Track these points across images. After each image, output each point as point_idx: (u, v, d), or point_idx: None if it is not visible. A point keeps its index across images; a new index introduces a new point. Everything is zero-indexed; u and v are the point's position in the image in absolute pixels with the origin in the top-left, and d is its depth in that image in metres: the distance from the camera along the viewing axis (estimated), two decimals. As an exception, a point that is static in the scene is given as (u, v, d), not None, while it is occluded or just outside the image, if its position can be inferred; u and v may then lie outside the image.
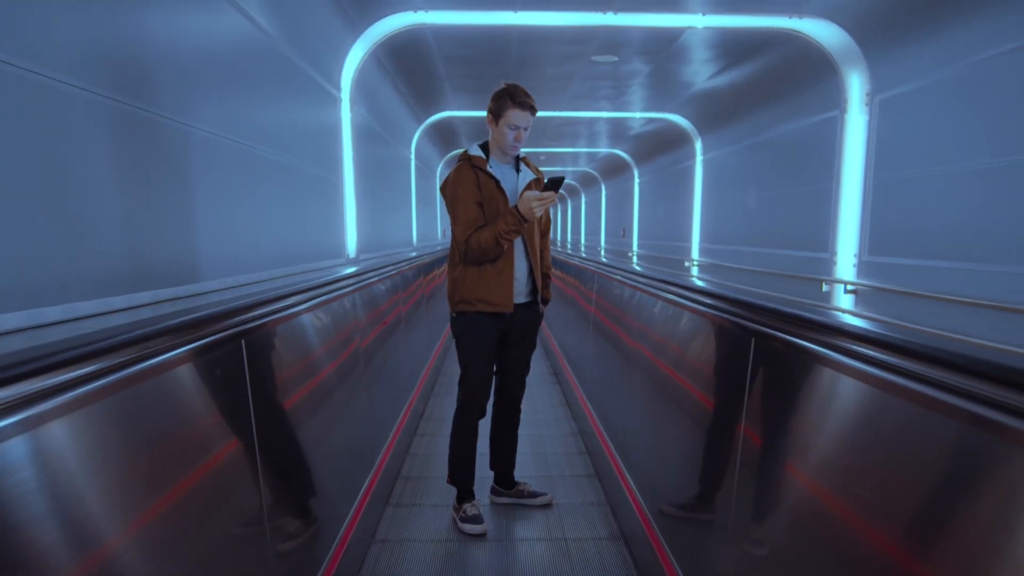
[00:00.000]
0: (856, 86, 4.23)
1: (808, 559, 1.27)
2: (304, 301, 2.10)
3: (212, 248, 2.24)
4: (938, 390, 0.97)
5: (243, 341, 1.47)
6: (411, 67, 5.29)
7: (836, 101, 4.43)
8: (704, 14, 4.11)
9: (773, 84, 5.26)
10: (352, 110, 4.34)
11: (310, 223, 3.59)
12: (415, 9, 3.99)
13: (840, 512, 1.18)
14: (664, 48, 4.87)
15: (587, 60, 5.20)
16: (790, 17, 4.07)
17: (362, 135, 4.72)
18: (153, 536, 1.07)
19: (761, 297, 1.74)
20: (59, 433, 0.89)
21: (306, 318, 2.13)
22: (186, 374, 1.25)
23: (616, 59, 5.10)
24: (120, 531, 0.99)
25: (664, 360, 2.54)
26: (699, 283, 2.43)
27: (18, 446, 0.81)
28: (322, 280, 2.42)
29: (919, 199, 3.68)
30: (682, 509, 2.08)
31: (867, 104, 4.13)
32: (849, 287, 4.16)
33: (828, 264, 4.55)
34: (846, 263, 4.35)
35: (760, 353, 1.60)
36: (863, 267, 4.18)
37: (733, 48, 4.83)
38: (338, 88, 4.12)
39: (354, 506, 2.33)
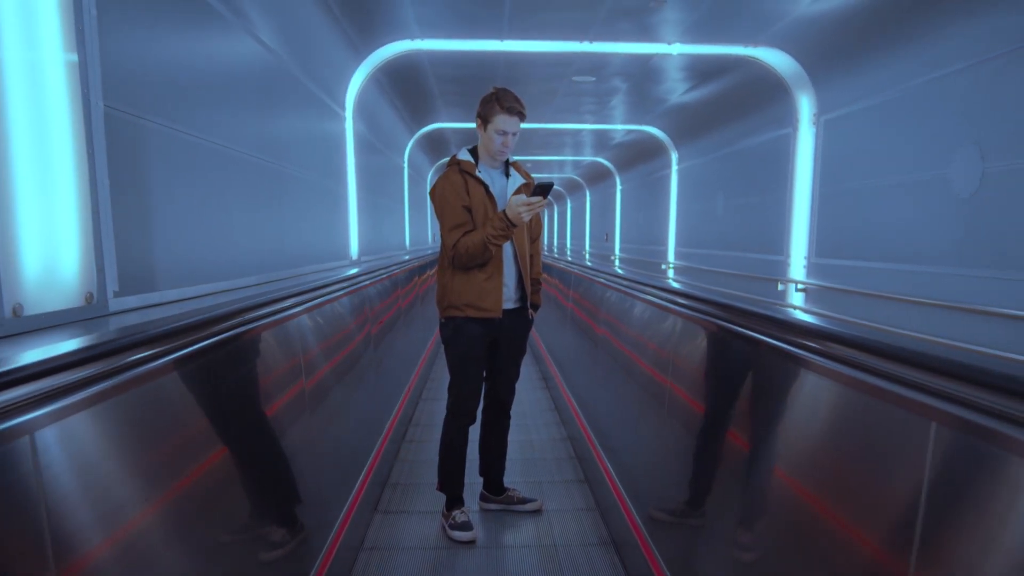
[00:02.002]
0: (806, 107, 4.75)
1: (797, 562, 1.28)
2: (310, 300, 2.35)
3: (229, 252, 2.67)
4: (876, 377, 1.10)
5: (235, 345, 1.52)
6: (406, 85, 5.75)
7: (790, 120, 4.94)
8: (671, 43, 4.60)
9: (738, 102, 5.78)
10: (354, 126, 4.79)
11: (320, 227, 4.02)
12: (412, 37, 4.46)
13: (824, 512, 1.22)
14: (638, 70, 5.37)
15: (568, 80, 5.69)
16: (745, 46, 4.58)
17: (362, 148, 5.17)
18: (139, 544, 1.08)
19: (743, 300, 1.78)
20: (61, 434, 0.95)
21: (309, 319, 2.39)
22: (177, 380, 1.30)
23: (594, 79, 5.60)
24: (104, 540, 0.99)
25: (649, 363, 2.55)
26: (675, 284, 2.56)
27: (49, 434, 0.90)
28: (334, 279, 2.82)
29: (856, 208, 4.19)
30: (671, 514, 2.05)
31: (814, 123, 4.65)
32: (799, 286, 4.67)
33: (784, 266, 5.05)
34: (798, 264, 4.86)
35: (747, 357, 1.61)
36: (812, 268, 4.69)
37: (702, 70, 5.34)
38: (343, 107, 4.57)
39: (342, 513, 2.31)
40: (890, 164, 3.85)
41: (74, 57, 1.47)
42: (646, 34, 4.53)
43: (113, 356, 1.12)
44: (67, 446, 0.97)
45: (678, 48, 4.68)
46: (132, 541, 1.07)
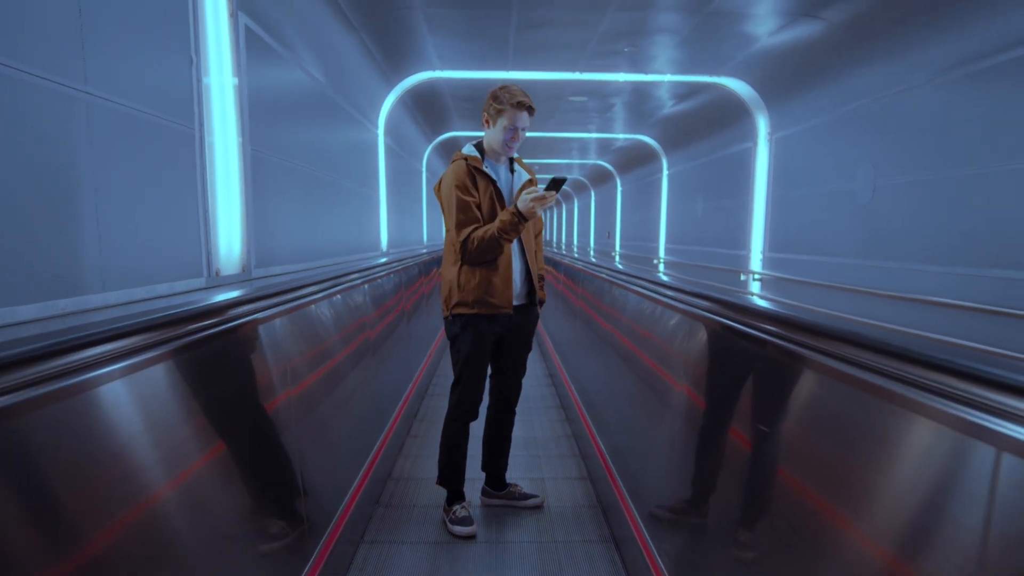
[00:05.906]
0: (763, 125, 5.64)
1: (800, 565, 1.27)
2: (368, 276, 3.24)
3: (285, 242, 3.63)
4: (816, 353, 1.23)
5: (246, 333, 1.65)
6: (427, 103, 6.72)
7: (751, 136, 5.84)
8: (647, 72, 5.52)
9: (715, 118, 6.68)
10: (385, 141, 5.77)
11: (360, 224, 5.00)
12: (433, 69, 5.42)
13: (825, 509, 1.21)
14: (626, 90, 6.29)
15: (566, 99, 6.62)
16: (711, 76, 5.49)
17: (390, 158, 6.15)
18: (137, 534, 1.10)
19: (724, 292, 1.84)
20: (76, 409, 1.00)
21: (360, 294, 3.42)
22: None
23: (585, 98, 6.54)
24: (103, 529, 1.01)
25: (648, 360, 2.58)
26: (665, 278, 2.74)
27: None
28: (377, 263, 3.77)
29: (799, 211, 5.09)
30: (671, 512, 2.06)
31: (768, 140, 5.55)
32: (756, 276, 5.57)
33: (746, 259, 5.96)
34: (756, 257, 5.76)
35: (750, 357, 1.60)
36: (766, 261, 5.59)
37: (682, 90, 6.25)
38: (376, 127, 5.56)
39: (343, 505, 2.33)
40: (818, 176, 4.76)
41: (236, 80, 2.42)
42: (627, 66, 5.45)
43: (274, 296, 2.08)
44: (255, 343, 1.92)
45: (652, 77, 5.60)
46: (132, 530, 1.09)
